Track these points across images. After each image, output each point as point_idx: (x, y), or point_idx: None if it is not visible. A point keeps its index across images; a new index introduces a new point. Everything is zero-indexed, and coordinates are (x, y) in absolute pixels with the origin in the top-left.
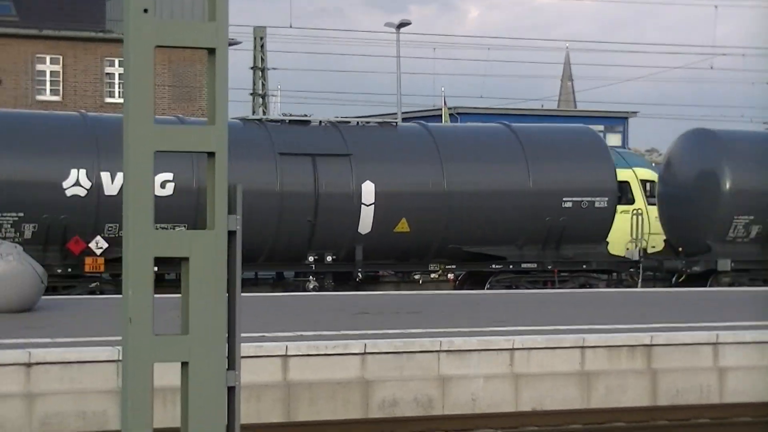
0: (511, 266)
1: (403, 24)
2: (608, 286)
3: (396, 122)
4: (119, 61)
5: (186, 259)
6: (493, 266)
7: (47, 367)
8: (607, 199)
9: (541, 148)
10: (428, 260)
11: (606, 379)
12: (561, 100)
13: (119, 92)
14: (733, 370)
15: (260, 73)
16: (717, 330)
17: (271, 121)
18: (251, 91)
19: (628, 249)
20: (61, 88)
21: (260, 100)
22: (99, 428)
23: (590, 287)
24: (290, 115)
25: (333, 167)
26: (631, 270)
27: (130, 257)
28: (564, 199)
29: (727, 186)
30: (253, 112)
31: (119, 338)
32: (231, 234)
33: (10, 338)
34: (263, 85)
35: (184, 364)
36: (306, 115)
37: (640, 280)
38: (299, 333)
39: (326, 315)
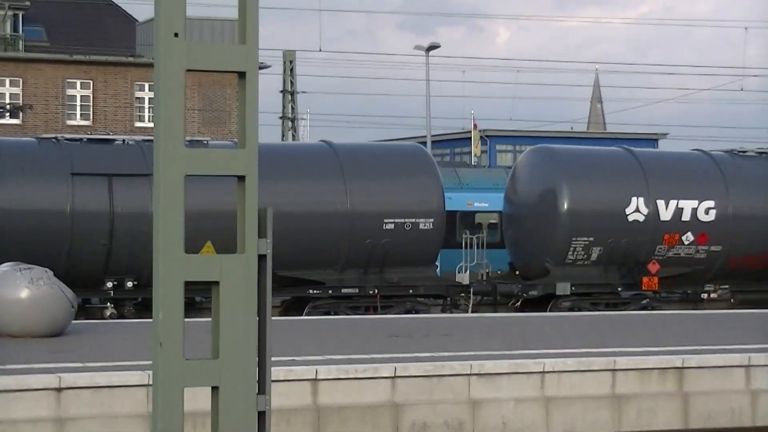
0: (330, 291)
1: (432, 47)
2: (443, 311)
3: (207, 140)
4: (149, 85)
5: (216, 283)
6: (311, 291)
7: (78, 392)
8: (432, 220)
9: (361, 166)
10: None
11: (637, 402)
12: (591, 122)
13: (149, 116)
14: (765, 393)
15: (290, 96)
16: (749, 352)
17: (69, 140)
18: (281, 115)
19: (458, 273)
20: (91, 112)
21: (289, 123)
22: None
23: (416, 312)
24: (90, 134)
25: (131, 188)
26: (462, 295)
27: (161, 281)
28: (385, 220)
29: (565, 207)
30: (283, 136)
31: (149, 362)
32: (261, 257)
33: (40, 363)
34: (293, 108)
35: (215, 389)
36: (109, 133)
37: (471, 305)
38: (329, 356)
39: (356, 338)
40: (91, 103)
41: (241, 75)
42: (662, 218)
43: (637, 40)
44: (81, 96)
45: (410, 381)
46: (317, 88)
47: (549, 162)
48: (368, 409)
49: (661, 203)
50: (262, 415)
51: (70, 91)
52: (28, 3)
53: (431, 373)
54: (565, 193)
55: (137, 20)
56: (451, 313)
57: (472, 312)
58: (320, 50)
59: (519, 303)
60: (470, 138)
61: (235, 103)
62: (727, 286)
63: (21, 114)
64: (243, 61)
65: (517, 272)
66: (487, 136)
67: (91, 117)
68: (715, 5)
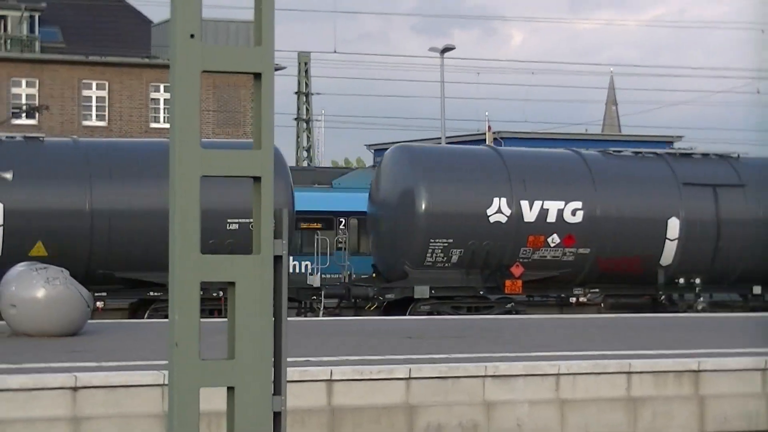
0: None
1: (447, 49)
2: (298, 314)
3: (43, 137)
4: (164, 86)
5: (232, 283)
6: (151, 293)
7: (93, 391)
8: None
9: None
10: None
11: (652, 405)
12: (605, 124)
13: (164, 117)
14: None
15: (304, 98)
16: (765, 356)
17: None
18: (295, 116)
19: (311, 275)
20: (107, 113)
21: (304, 125)
22: None
23: None
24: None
25: None
26: (314, 298)
27: (177, 281)
28: (229, 220)
29: (423, 208)
30: (298, 137)
31: (165, 362)
32: (277, 258)
33: (56, 362)
34: (307, 110)
35: (230, 389)
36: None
37: (321, 308)
38: (343, 357)
39: (371, 340)
40: (106, 104)
41: (257, 76)
42: (526, 219)
43: (650, 43)
44: (97, 97)
45: (425, 382)
46: (332, 89)
47: (408, 162)
48: (383, 410)
49: (524, 204)
50: (277, 416)
51: (85, 92)
52: (44, 4)
53: (446, 375)
54: (422, 194)
55: (152, 21)
56: (306, 316)
57: (335, 316)
58: (335, 52)
59: (374, 307)
60: (485, 140)
61: (249, 105)
62: (597, 290)
63: (37, 115)
64: (259, 62)
65: (374, 275)
66: (501, 137)
67: (107, 118)
68: (728, 8)
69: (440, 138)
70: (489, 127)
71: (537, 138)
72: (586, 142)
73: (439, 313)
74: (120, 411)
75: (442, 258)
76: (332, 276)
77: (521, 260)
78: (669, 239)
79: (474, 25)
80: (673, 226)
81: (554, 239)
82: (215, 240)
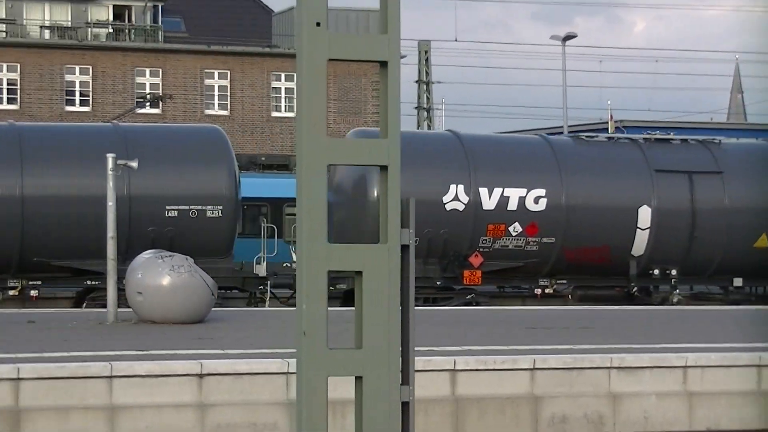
0: None
1: (569, 36)
2: (248, 304)
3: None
4: (286, 75)
5: (359, 273)
6: (89, 282)
7: (219, 378)
8: (221, 207)
9: (145, 149)
10: (10, 275)
11: None
12: (731, 113)
13: (286, 106)
14: None
15: (424, 86)
16: None
17: None
18: (416, 105)
19: (258, 264)
20: (228, 102)
21: (425, 113)
22: None
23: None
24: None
25: None
26: (261, 287)
27: (304, 271)
28: (167, 207)
29: (375, 194)
30: (418, 126)
31: (289, 350)
32: (404, 248)
33: (182, 349)
34: (427, 99)
35: (358, 379)
36: None
37: (268, 299)
38: (467, 347)
39: (495, 329)
40: (228, 93)
41: (383, 65)
42: (485, 207)
43: None
44: (219, 86)
45: (549, 373)
46: (452, 78)
47: None
48: (507, 400)
49: (483, 191)
50: (405, 406)
51: (208, 81)
52: None
53: (571, 366)
54: (374, 181)
55: (273, 11)
56: (257, 306)
57: (290, 306)
58: (456, 40)
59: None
60: (607, 129)
61: (371, 94)
62: (564, 281)
63: (161, 104)
64: (385, 50)
65: None
66: (623, 126)
67: (229, 107)
68: None
69: (562, 127)
70: (611, 116)
71: (661, 126)
72: (710, 131)
73: None
74: (245, 398)
75: None
76: (289, 265)
77: (481, 250)
78: (640, 228)
79: (598, 13)
80: (644, 215)
81: (516, 228)
82: (154, 228)
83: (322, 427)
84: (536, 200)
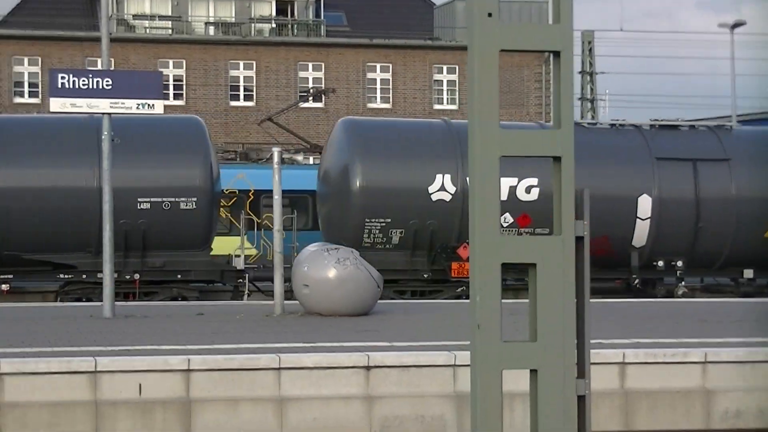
0: (84, 276)
1: (737, 24)
2: (233, 298)
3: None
4: (447, 68)
5: (533, 265)
6: (61, 276)
7: (386, 371)
8: (195, 199)
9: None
10: None
11: None
12: None
13: (447, 99)
14: None
15: (588, 77)
16: None
17: None
18: (579, 96)
19: (236, 257)
20: (390, 95)
21: (588, 104)
22: None
23: (184, 299)
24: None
25: None
26: (239, 281)
27: (477, 263)
28: (139, 199)
29: (357, 185)
30: (582, 117)
31: (456, 343)
32: (579, 239)
33: (349, 341)
34: (591, 89)
35: (533, 372)
36: None
37: (246, 293)
38: (636, 340)
39: (665, 322)
40: (390, 87)
41: (556, 54)
42: None
43: None
44: (381, 79)
45: (722, 367)
46: (616, 68)
47: (346, 136)
48: (678, 394)
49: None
50: (581, 399)
51: (370, 75)
52: None
53: (743, 360)
54: (357, 170)
55: (435, 3)
56: (241, 300)
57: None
58: (621, 30)
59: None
60: None
61: (533, 85)
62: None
63: (323, 98)
64: (558, 40)
65: None
66: None
67: (391, 100)
68: None
69: (730, 117)
70: None
71: None
72: None
73: (383, 298)
74: (412, 391)
75: (382, 239)
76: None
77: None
78: (640, 218)
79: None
80: (644, 205)
81: (506, 219)
82: (126, 220)
83: (497, 420)
84: (528, 190)
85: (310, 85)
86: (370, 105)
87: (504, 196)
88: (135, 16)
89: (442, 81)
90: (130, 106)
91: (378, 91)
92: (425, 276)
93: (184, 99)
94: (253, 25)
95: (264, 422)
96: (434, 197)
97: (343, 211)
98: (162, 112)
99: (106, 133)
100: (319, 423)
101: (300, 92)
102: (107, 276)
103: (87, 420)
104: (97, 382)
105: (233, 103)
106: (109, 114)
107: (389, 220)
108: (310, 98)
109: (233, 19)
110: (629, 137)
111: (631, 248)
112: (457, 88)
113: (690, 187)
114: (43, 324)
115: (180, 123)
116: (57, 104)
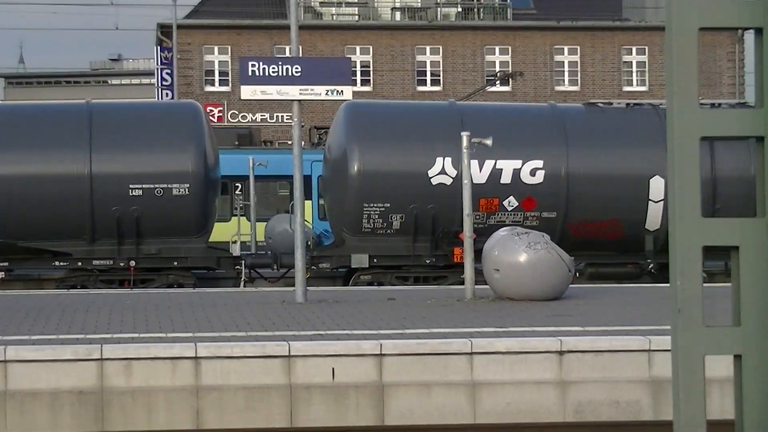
0: (80, 263)
1: None
2: (234, 285)
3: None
4: (636, 49)
5: (736, 247)
6: (56, 264)
7: (579, 356)
8: (188, 185)
9: (109, 127)
10: None
11: None
12: None
13: (637, 80)
14: None
15: None
16: None
17: None
18: None
19: (233, 243)
20: (578, 78)
21: None
22: (632, 418)
23: (180, 287)
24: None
25: None
26: (237, 267)
27: (678, 247)
28: (131, 185)
29: (355, 168)
30: None
31: (651, 327)
32: None
33: (541, 326)
34: None
35: (737, 357)
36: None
37: (242, 280)
38: None
39: None
40: (578, 69)
41: (758, 31)
42: (476, 181)
43: None
44: (569, 62)
45: None
46: None
47: (347, 119)
48: None
49: (474, 164)
50: None
51: (557, 58)
52: None
53: None
54: (355, 154)
55: None
56: (245, 286)
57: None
58: None
59: (308, 276)
60: None
61: (726, 65)
62: (572, 258)
63: (511, 81)
64: (760, 16)
65: (308, 243)
66: None
67: (579, 82)
68: None
69: None
70: None
71: None
72: None
73: (380, 284)
74: (606, 376)
75: (382, 224)
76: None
77: (475, 226)
78: (653, 201)
79: None
80: (657, 186)
81: (511, 202)
82: (118, 207)
83: (699, 407)
84: (533, 172)
85: (497, 69)
86: (558, 88)
87: (507, 180)
88: (322, 3)
89: (631, 62)
90: (319, 92)
91: (566, 74)
92: (428, 261)
93: (371, 85)
94: (439, 9)
95: (457, 407)
96: (434, 181)
97: (342, 195)
98: (350, 98)
99: (296, 119)
100: (513, 408)
101: (487, 76)
102: (299, 261)
103: (282, 404)
104: (290, 366)
105: (420, 88)
106: (299, 101)
107: (388, 205)
108: (497, 82)
109: (419, 3)
110: (644, 117)
111: (645, 232)
112: (646, 69)
113: (706, 166)
114: (235, 309)
115: (174, 108)
116: (248, 92)
